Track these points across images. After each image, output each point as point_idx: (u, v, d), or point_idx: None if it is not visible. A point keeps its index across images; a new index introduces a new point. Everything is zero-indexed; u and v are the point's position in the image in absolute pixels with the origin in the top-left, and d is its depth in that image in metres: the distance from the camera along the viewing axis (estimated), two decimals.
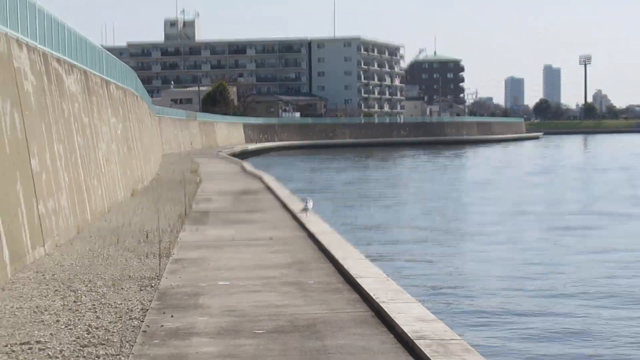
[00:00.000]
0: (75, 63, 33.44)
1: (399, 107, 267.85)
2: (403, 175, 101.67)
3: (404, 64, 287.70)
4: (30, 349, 12.63)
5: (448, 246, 40.76)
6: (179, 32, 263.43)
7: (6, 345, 12.83)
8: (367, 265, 18.84)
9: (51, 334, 13.55)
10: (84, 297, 16.54)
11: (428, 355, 11.15)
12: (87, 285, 17.71)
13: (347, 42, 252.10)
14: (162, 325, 13.78)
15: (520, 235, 44.17)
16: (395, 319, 13.25)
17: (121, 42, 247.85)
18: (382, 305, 14.32)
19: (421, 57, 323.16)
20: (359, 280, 16.66)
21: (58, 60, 29.71)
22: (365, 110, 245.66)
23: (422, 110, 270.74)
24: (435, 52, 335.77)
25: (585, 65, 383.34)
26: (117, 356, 11.99)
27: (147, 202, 38.40)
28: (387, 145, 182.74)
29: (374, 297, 15.04)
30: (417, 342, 11.76)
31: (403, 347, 12.13)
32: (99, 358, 11.96)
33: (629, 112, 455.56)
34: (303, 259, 20.68)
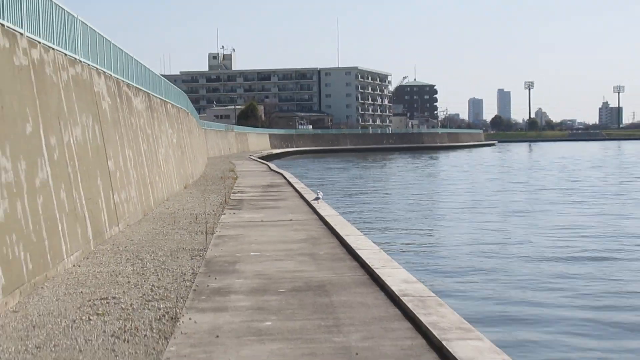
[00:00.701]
0: (141, 87, 33.51)
1: (387, 121, 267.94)
2: (390, 172, 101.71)
3: (391, 87, 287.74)
4: (107, 302, 12.74)
5: (426, 225, 40.89)
6: (219, 63, 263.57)
7: (89, 300, 12.93)
8: (365, 240, 18.88)
9: (123, 291, 13.65)
10: (148, 264, 16.67)
11: (410, 308, 11.19)
12: (151, 255, 17.85)
13: (348, 71, 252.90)
14: (208, 285, 13.90)
15: (481, 215, 44.32)
16: (385, 281, 13.32)
17: (175, 71, 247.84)
18: (376, 270, 14.41)
19: (404, 82, 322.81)
20: (358, 252, 16.71)
21: (128, 85, 29.78)
22: (362, 123, 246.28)
23: (405, 124, 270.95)
24: (415, 79, 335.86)
25: (529, 89, 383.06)
26: (174, 308, 12.06)
27: (196, 193, 38.45)
28: (379, 151, 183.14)
29: (369, 265, 15.11)
30: (402, 298, 11.83)
31: (391, 302, 12.20)
32: (160, 310, 12.04)
33: (563, 125, 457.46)
34: (315, 235, 20.74)
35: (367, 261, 15.47)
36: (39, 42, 17.53)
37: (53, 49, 18.66)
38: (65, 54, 19.88)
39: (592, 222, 40.10)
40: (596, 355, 16.26)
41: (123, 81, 28.65)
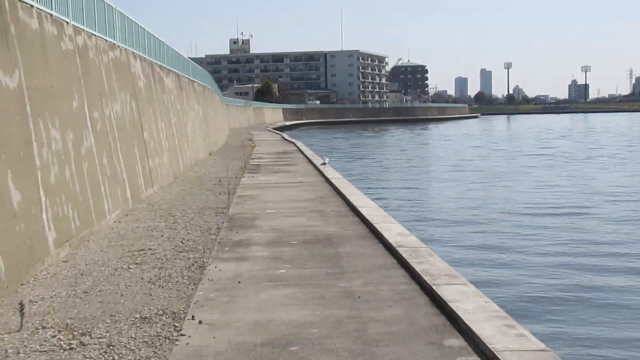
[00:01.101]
0: (171, 69, 33.47)
1: (385, 97, 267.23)
2: (388, 140, 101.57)
3: (388, 68, 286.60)
4: (144, 253, 12.81)
5: (418, 185, 40.90)
6: (239, 47, 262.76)
7: (129, 251, 13.00)
8: (365, 199, 18.88)
9: (158, 244, 13.72)
10: (179, 220, 16.72)
11: (405, 257, 11.21)
12: (181, 212, 17.90)
13: (350, 54, 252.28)
14: (230, 239, 13.97)
15: (467, 176, 44.28)
16: (383, 234, 13.33)
17: (201, 54, 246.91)
18: (375, 225, 14.41)
19: (399, 63, 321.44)
20: (359, 209, 16.71)
21: (160, 67, 29.74)
22: (363, 99, 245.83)
23: (400, 99, 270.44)
24: (409, 60, 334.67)
25: (508, 69, 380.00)
26: (201, 258, 12.13)
27: (220, 159, 38.47)
28: (378, 122, 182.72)
29: (369, 220, 15.11)
30: (397, 249, 11.85)
31: (388, 252, 12.23)
32: (189, 259, 12.12)
33: (537, 99, 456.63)
34: (322, 195, 20.74)
35: (368, 217, 15.48)
36: (83, 30, 17.51)
37: (95, 35, 18.64)
38: (106, 40, 19.86)
39: (562, 182, 40.14)
40: (559, 289, 16.38)
41: (156, 63, 28.63)
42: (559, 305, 15.15)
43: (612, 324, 13.74)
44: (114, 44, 20.92)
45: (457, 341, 7.51)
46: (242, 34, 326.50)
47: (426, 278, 9.76)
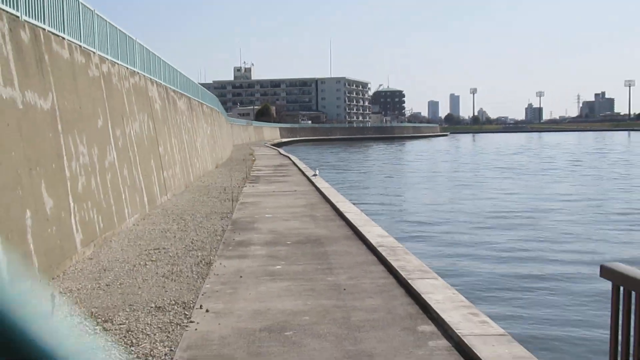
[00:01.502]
0: (183, 93, 33.48)
1: (367, 117, 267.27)
2: (370, 155, 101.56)
3: (370, 92, 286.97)
4: (159, 251, 12.80)
5: (396, 192, 40.82)
6: (242, 74, 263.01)
7: (146, 250, 12.97)
8: (350, 205, 18.87)
9: (171, 243, 13.71)
10: (189, 223, 16.69)
11: (384, 255, 11.23)
12: (191, 217, 17.86)
13: (338, 80, 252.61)
14: (233, 239, 13.97)
15: (438, 186, 44.29)
16: (365, 236, 13.35)
17: (209, 80, 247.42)
18: (359, 228, 14.42)
19: (380, 88, 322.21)
20: (345, 214, 16.70)
21: (174, 91, 29.76)
22: (349, 119, 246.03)
23: (380, 120, 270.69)
24: (388, 86, 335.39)
25: (473, 93, 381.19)
26: (208, 256, 12.11)
27: (225, 171, 38.49)
28: (361, 140, 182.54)
29: (353, 223, 15.12)
30: (378, 248, 11.86)
31: (369, 251, 12.24)
32: (198, 257, 12.10)
33: (498, 120, 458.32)
34: (314, 202, 20.75)
35: (352, 221, 15.49)
36: (107, 59, 17.52)
37: (118, 63, 18.66)
38: (127, 67, 19.88)
39: (518, 189, 40.25)
40: (515, 278, 16.42)
41: (170, 88, 28.65)
42: (515, 291, 15.22)
43: (561, 307, 13.77)
44: (134, 71, 20.95)
45: (429, 327, 7.53)
46: (244, 62, 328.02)
47: (402, 273, 9.79)
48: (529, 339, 10.31)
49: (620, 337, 4.08)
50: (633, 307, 3.96)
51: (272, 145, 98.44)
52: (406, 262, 10.68)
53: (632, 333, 3.97)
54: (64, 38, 13.92)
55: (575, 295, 14.65)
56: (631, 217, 27.37)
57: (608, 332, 4.26)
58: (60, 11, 14.16)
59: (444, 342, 6.98)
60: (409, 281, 9.26)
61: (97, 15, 17.22)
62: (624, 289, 4.05)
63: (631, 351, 3.97)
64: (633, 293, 3.95)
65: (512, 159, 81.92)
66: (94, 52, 16.18)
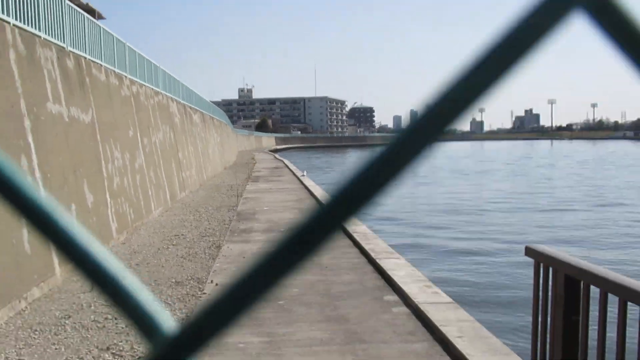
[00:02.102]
0: (198, 108, 33.39)
1: (345, 129, 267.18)
2: (346, 159, 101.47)
3: (347, 109, 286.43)
4: (178, 237, 12.77)
5: None
6: (245, 94, 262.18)
7: (168, 236, 12.95)
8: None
9: (188, 231, 13.69)
10: (203, 214, 16.65)
11: (358, 240, 11.24)
12: (204, 209, 17.81)
13: (321, 99, 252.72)
14: (238, 227, 13.92)
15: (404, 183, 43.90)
16: (363, 240, 13.33)
17: (218, 99, 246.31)
18: (363, 238, 14.40)
19: (355, 105, 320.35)
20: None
21: (190, 107, 29.68)
22: (330, 130, 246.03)
23: (355, 130, 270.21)
24: (362, 103, 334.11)
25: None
26: (218, 240, 12.11)
27: (231, 172, 38.36)
28: (340, 147, 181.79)
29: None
30: (353, 234, 11.79)
31: (346, 237, 12.13)
32: (210, 242, 12.10)
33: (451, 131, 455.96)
34: (301, 197, 20.73)
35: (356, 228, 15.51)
36: (136, 81, 17.49)
37: (145, 85, 18.62)
38: (152, 88, 19.83)
39: (468, 190, 40.21)
40: (460, 254, 16.37)
41: (187, 105, 28.57)
42: (462, 272, 15.22)
43: (494, 276, 13.76)
44: (158, 91, 20.91)
45: (392, 297, 7.60)
46: (247, 84, 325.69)
47: (372, 254, 9.83)
48: (470, 303, 10.41)
49: (540, 303, 4.16)
50: (550, 280, 4.04)
51: (269, 151, 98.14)
52: (375, 245, 10.74)
53: (549, 299, 4.06)
54: (101, 64, 13.90)
55: (504, 268, 14.70)
56: (554, 208, 27.53)
57: (531, 295, 4.33)
58: (99, 43, 14.15)
59: (404, 309, 7.05)
60: (377, 260, 9.33)
61: (128, 46, 17.21)
62: (543, 265, 4.13)
63: (549, 311, 4.05)
64: (550, 268, 4.04)
65: (461, 162, 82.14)
66: (125, 76, 16.17)
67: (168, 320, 0.38)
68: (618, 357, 3.25)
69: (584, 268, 3.66)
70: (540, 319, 4.16)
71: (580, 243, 18.00)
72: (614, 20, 0.34)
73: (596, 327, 3.53)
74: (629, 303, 3.24)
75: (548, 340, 4.05)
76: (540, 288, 4.16)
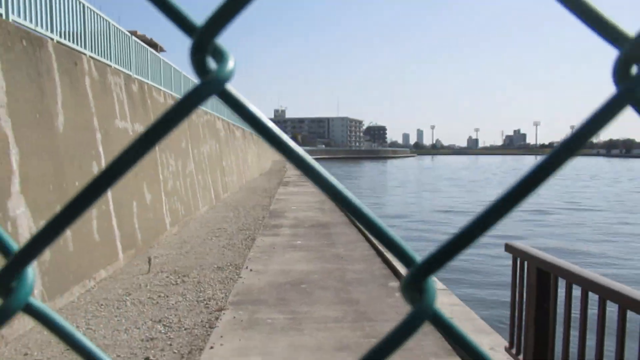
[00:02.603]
0: (239, 125, 33.59)
1: (361, 143, 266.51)
2: (364, 169, 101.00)
3: (364, 127, 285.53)
4: (220, 230, 12.80)
5: (380, 193, 40.31)
6: (279, 114, 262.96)
7: (212, 229, 12.98)
8: None
9: (228, 225, 13.73)
10: (241, 212, 16.71)
11: (369, 235, 11.18)
12: (243, 207, 17.88)
13: (342, 119, 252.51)
14: (270, 223, 13.92)
15: (408, 189, 43.71)
16: (356, 223, 13.27)
17: None
18: (352, 217, 14.35)
19: (370, 124, 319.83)
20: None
21: (233, 124, 29.88)
22: (349, 144, 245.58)
23: (370, 145, 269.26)
24: (376, 122, 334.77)
25: (432, 128, 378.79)
26: (253, 234, 12.14)
27: (266, 178, 38.46)
28: (357, 159, 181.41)
29: (348, 215, 15.05)
30: (364, 231, 11.78)
31: (359, 232, 12.18)
32: (246, 234, 12.12)
33: (449, 147, 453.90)
34: (323, 199, 20.60)
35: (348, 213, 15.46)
36: None
37: None
38: (203, 109, 20.02)
39: (463, 194, 39.66)
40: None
41: (230, 122, 28.77)
42: (456, 261, 15.01)
43: (476, 269, 13.58)
44: (207, 111, 21.10)
45: (396, 283, 7.57)
46: (281, 106, 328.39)
47: (380, 247, 9.82)
48: (460, 286, 10.31)
49: (517, 291, 4.13)
50: (525, 272, 4.01)
51: None
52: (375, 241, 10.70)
53: (525, 288, 4.03)
54: (160, 88, 14.10)
55: (487, 261, 14.51)
56: (536, 210, 27.09)
57: (509, 289, 4.30)
58: (159, 71, 14.36)
59: None
60: (385, 253, 9.30)
61: (183, 74, 17.43)
62: (519, 260, 4.10)
63: (524, 298, 4.02)
64: (526, 263, 4.01)
65: (459, 173, 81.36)
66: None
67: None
68: (581, 334, 3.22)
69: (553, 262, 3.63)
70: (517, 304, 4.13)
71: (556, 237, 17.79)
72: None
73: (564, 312, 3.49)
74: (590, 293, 3.21)
75: (524, 321, 4.01)
76: (517, 279, 4.14)
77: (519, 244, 4.14)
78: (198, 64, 0.35)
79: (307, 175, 0.46)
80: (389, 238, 0.44)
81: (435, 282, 5.90)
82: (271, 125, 0.42)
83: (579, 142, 0.42)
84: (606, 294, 3.01)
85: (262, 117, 0.41)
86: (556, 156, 0.42)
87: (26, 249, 0.41)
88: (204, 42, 0.35)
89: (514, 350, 4.17)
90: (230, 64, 0.36)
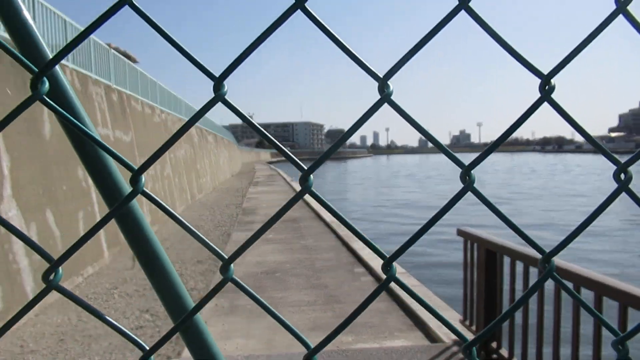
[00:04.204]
0: (211, 131, 33.25)
1: (324, 146, 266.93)
2: (328, 167, 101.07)
3: (325, 130, 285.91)
4: (197, 228, 12.65)
5: (343, 189, 40.41)
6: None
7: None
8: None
9: (205, 222, 13.64)
10: (216, 210, 16.60)
11: (334, 228, 11.34)
12: (217, 207, 17.72)
13: (305, 123, 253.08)
14: (243, 219, 13.88)
15: (367, 185, 43.94)
16: (323, 216, 13.41)
17: (226, 123, 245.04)
18: (319, 212, 14.47)
19: (330, 128, 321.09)
20: (311, 204, 16.71)
21: (206, 130, 29.57)
22: (312, 147, 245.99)
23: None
24: (336, 126, 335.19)
25: (387, 130, 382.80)
26: (228, 229, 12.10)
27: (237, 178, 38.15)
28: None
29: (316, 209, 15.17)
30: (330, 224, 11.94)
31: (326, 226, 12.25)
32: (222, 231, 12.08)
33: (403, 147, 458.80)
34: (291, 197, 20.69)
35: (315, 208, 15.54)
36: (165, 110, 17.40)
37: (171, 113, 18.57)
38: (177, 116, 19.77)
39: (415, 188, 40.24)
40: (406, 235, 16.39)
41: (203, 128, 28.47)
42: (413, 247, 15.23)
43: (439, 255, 13.83)
44: (181, 117, 20.84)
45: (361, 269, 7.73)
46: (249, 112, 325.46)
47: (345, 239, 9.95)
48: (418, 268, 10.55)
49: (468, 269, 4.32)
50: (475, 253, 4.21)
51: (266, 162, 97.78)
52: (345, 232, 10.87)
53: (475, 267, 4.22)
54: (138, 98, 13.89)
55: (441, 245, 14.82)
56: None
57: (462, 269, 4.48)
58: (136, 81, 14.14)
59: (370, 278, 7.19)
60: (349, 243, 9.45)
61: (158, 84, 17.19)
62: (470, 242, 4.29)
63: (475, 276, 4.21)
64: (475, 244, 4.20)
65: (410, 169, 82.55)
66: (156, 107, 16.14)
67: None
68: (524, 304, 3.42)
69: (499, 244, 3.83)
70: (469, 282, 4.33)
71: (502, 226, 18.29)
72: None
73: (509, 286, 3.70)
74: (530, 267, 3.42)
75: (475, 296, 4.21)
76: (468, 259, 4.33)
77: (469, 228, 4.34)
78: (215, 90, 0.63)
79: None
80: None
81: (397, 267, 6.06)
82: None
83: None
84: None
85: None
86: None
87: None
88: (216, 84, 0.63)
89: (467, 322, 4.36)
90: (225, 89, 0.63)
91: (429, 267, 12.38)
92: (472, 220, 20.48)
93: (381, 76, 0.67)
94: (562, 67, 0.66)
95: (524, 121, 0.67)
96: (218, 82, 0.63)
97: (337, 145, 0.74)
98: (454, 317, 4.96)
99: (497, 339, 3.90)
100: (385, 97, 0.66)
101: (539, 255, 2.64)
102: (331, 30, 0.65)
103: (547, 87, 0.66)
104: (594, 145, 0.72)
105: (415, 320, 5.25)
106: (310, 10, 0.63)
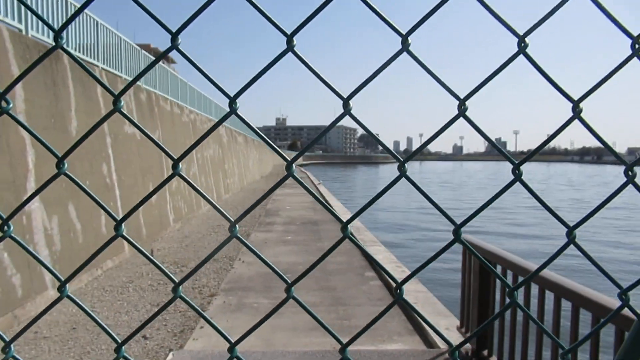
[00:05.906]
0: (241, 132, 33.70)
1: (356, 150, 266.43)
2: (357, 172, 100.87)
3: (358, 135, 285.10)
4: (219, 227, 12.91)
5: (369, 194, 39.99)
6: (281, 122, 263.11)
7: (211, 226, 13.12)
8: (337, 201, 18.97)
9: (226, 222, 13.82)
10: (240, 210, 16.79)
11: (352, 231, 11.35)
12: (242, 206, 17.93)
13: (339, 127, 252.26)
14: (265, 220, 14.04)
15: (400, 190, 43.62)
16: (343, 220, 13.40)
17: (260, 125, 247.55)
18: (340, 216, 14.40)
19: (364, 133, 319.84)
20: (334, 207, 16.77)
21: (236, 131, 30.02)
22: (344, 150, 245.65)
23: (364, 152, 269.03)
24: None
25: (420, 135, 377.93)
26: (249, 230, 12.26)
27: (265, 180, 38.54)
28: (352, 163, 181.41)
29: (337, 213, 15.17)
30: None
31: None
32: (242, 230, 12.21)
33: (436, 153, 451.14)
34: (315, 200, 20.77)
35: (337, 211, 15.57)
36: (194, 110, 17.77)
37: (200, 113, 18.96)
38: (206, 116, 20.16)
39: (447, 195, 39.73)
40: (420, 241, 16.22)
41: (233, 129, 28.92)
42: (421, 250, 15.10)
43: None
44: (211, 118, 21.24)
45: (371, 274, 7.75)
46: (282, 114, 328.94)
47: (361, 242, 9.99)
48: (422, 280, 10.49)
49: (466, 277, 4.32)
50: (472, 261, 4.20)
51: (297, 165, 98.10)
52: (364, 236, 10.90)
53: (472, 275, 4.22)
54: (167, 98, 14.28)
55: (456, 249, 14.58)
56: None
57: (460, 274, 4.48)
58: (167, 82, 14.54)
59: (379, 282, 7.21)
60: (364, 247, 9.46)
61: (189, 85, 17.60)
62: (467, 251, 4.28)
63: (472, 283, 4.21)
64: None
65: (445, 177, 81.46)
66: (185, 107, 16.53)
67: None
68: (512, 311, 3.42)
69: (494, 252, 3.83)
70: (466, 289, 4.33)
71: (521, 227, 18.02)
72: None
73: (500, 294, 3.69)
74: (519, 277, 3.41)
75: (471, 301, 4.21)
76: (466, 267, 4.33)
77: (469, 236, 4.34)
78: (229, 106, 0.84)
79: None
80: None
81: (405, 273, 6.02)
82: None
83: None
84: (531, 277, 3.22)
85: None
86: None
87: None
88: (230, 102, 0.84)
89: (463, 329, 4.37)
90: (237, 105, 0.84)
91: (440, 271, 12.26)
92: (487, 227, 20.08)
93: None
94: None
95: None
96: (232, 100, 0.83)
97: (315, 141, 0.95)
98: (453, 323, 4.96)
99: (488, 347, 3.89)
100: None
101: (528, 267, 2.73)
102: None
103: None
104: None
105: (416, 325, 5.26)
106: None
